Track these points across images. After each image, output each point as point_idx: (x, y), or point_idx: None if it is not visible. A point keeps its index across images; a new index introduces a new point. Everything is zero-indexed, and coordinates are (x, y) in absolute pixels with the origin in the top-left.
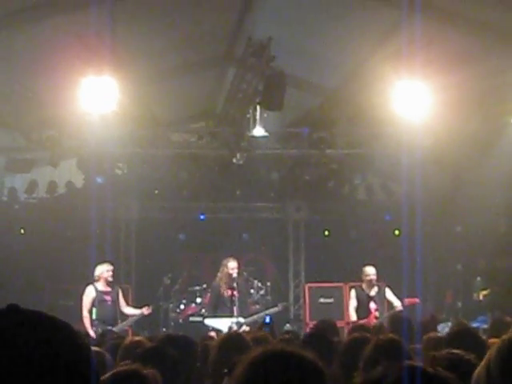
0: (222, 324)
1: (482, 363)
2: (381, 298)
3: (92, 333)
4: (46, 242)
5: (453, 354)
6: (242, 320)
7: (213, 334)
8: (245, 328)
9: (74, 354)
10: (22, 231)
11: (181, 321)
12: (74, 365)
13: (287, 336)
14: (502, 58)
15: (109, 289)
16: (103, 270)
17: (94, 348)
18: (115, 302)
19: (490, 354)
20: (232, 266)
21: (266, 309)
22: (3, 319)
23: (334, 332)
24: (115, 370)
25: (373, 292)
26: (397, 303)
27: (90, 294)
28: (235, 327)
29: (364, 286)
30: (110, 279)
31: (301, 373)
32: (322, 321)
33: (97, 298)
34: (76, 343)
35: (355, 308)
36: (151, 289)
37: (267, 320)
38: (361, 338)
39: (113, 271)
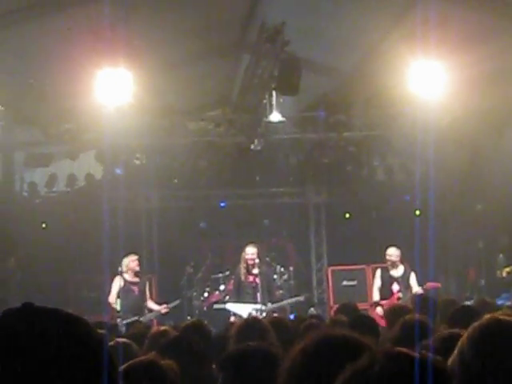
0: (244, 310)
1: (455, 352)
2: (405, 280)
3: (118, 321)
4: (68, 235)
5: (449, 332)
6: (263, 307)
7: (233, 319)
8: (264, 315)
9: (89, 350)
10: (44, 225)
11: (205, 308)
12: (89, 360)
13: (314, 321)
14: None
15: (136, 279)
16: (129, 261)
17: (121, 339)
18: (142, 292)
19: (462, 342)
20: (249, 251)
21: (290, 297)
22: (18, 318)
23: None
24: (131, 362)
25: (396, 273)
26: (416, 289)
27: (116, 283)
28: (255, 314)
29: (388, 267)
30: (137, 268)
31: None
32: (344, 304)
33: (124, 288)
34: (91, 339)
35: (379, 288)
36: (174, 278)
37: (291, 317)
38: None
39: (138, 260)
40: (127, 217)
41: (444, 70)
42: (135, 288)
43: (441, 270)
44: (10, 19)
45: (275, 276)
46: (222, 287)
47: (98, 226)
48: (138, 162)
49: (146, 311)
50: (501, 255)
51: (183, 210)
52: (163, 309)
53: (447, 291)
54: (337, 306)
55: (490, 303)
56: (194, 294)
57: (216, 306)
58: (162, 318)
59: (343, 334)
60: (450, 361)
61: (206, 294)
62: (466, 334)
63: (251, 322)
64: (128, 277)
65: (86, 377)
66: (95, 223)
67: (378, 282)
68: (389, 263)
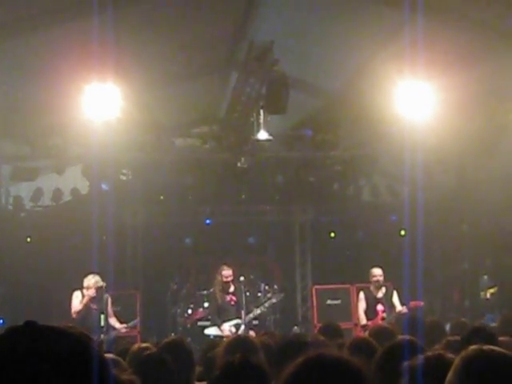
0: (222, 330)
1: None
2: (388, 299)
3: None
4: (53, 249)
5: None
6: (239, 321)
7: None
8: (243, 329)
9: (92, 369)
10: (29, 239)
11: (189, 325)
12: (90, 379)
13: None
14: (505, 58)
15: (95, 295)
16: (91, 285)
17: (109, 355)
18: (101, 310)
19: (450, 373)
20: (226, 273)
21: (262, 304)
22: (20, 335)
23: (337, 334)
24: None
25: (380, 294)
26: (399, 308)
27: (77, 297)
28: (234, 330)
29: (371, 287)
30: (94, 295)
31: (342, 378)
32: (326, 323)
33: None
34: (93, 358)
35: (364, 310)
36: (159, 294)
37: None
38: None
39: (99, 288)
40: (112, 232)
41: (432, 91)
42: (94, 306)
43: (425, 291)
44: None
45: (259, 294)
46: (206, 304)
47: (83, 241)
48: (124, 178)
49: (107, 329)
50: (485, 276)
51: (169, 226)
52: (122, 328)
53: (431, 312)
54: (320, 324)
55: (467, 324)
56: (178, 310)
57: (200, 323)
58: (145, 334)
59: (334, 355)
60: None
61: (189, 311)
62: (453, 364)
63: (240, 340)
64: (89, 293)
65: None
66: (80, 238)
67: (362, 305)
68: (374, 284)
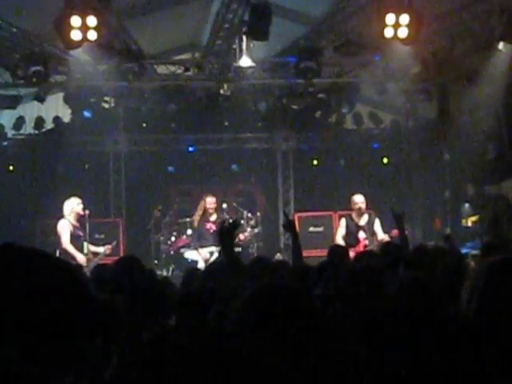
0: (199, 255)
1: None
2: (370, 227)
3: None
4: (36, 178)
5: None
6: (214, 249)
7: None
8: (216, 256)
9: (71, 290)
10: (11, 168)
11: (172, 252)
12: (70, 300)
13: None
14: None
15: (79, 224)
16: (74, 205)
17: None
18: (85, 237)
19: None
20: (210, 201)
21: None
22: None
23: (345, 256)
24: None
25: (362, 221)
26: (381, 236)
27: (66, 227)
28: (208, 256)
29: (353, 214)
30: (81, 213)
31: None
32: (335, 246)
33: (74, 232)
34: (72, 279)
35: (343, 236)
36: (142, 222)
37: None
38: None
39: (83, 204)
40: (95, 160)
41: (415, 19)
42: (81, 233)
43: (407, 219)
44: None
45: (242, 221)
46: (189, 231)
47: (65, 169)
48: (106, 106)
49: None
50: (466, 205)
51: (151, 154)
52: (107, 249)
53: (413, 240)
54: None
55: (427, 248)
56: (161, 238)
57: (183, 250)
58: None
59: (283, 283)
60: None
61: (173, 239)
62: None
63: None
64: (72, 221)
65: (67, 314)
66: (63, 166)
67: (342, 231)
68: (356, 211)
